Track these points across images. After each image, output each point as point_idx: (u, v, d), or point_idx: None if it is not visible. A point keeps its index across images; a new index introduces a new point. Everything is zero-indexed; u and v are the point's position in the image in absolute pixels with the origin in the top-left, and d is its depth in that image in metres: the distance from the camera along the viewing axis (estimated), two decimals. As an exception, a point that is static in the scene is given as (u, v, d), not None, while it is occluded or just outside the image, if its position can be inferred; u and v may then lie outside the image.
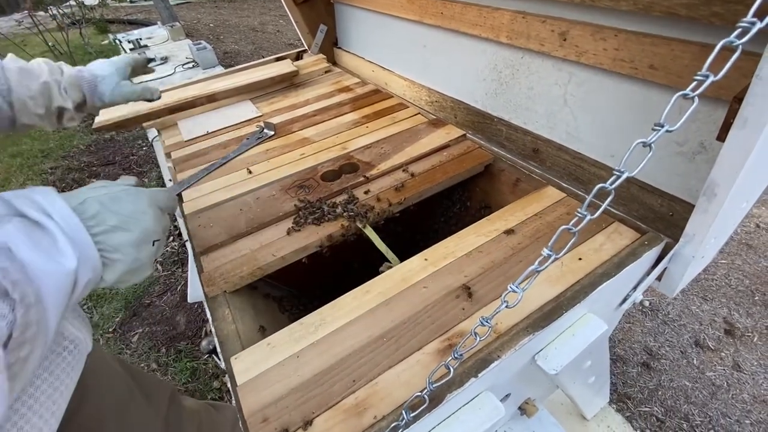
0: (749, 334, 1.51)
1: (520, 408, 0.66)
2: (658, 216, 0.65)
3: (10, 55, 0.68)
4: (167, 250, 1.99)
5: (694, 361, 1.43)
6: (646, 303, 1.66)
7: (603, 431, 1.10)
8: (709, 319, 1.57)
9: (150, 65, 0.84)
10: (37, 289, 0.33)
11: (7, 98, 0.62)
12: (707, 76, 0.25)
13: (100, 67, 0.74)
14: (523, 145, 0.86)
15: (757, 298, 1.63)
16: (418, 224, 0.71)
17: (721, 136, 0.45)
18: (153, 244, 0.46)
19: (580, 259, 0.58)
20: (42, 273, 0.33)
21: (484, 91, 0.93)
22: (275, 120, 1.04)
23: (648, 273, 0.62)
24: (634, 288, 0.63)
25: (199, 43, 3.24)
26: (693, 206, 0.52)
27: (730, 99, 0.46)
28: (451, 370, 0.34)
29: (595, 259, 0.58)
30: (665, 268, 0.61)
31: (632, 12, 0.59)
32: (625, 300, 0.64)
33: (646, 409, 1.31)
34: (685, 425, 1.26)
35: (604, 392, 0.97)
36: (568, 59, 0.71)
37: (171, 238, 2.05)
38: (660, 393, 1.35)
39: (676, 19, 0.54)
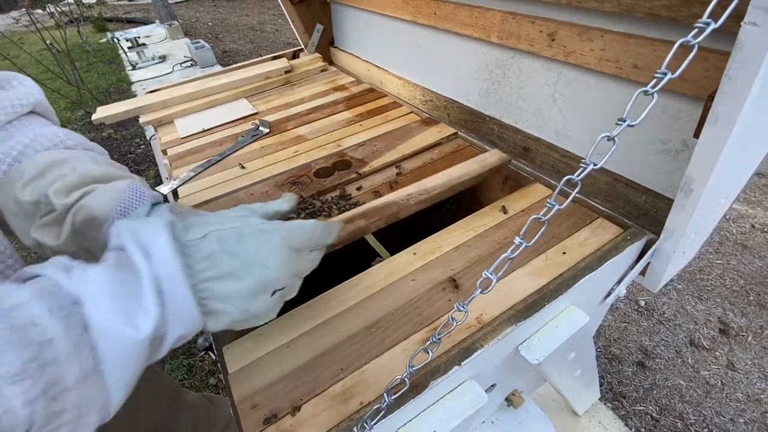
0: (743, 333, 1.52)
1: (507, 399, 0.67)
2: (643, 212, 0.66)
3: None
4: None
5: (689, 361, 1.45)
6: (642, 303, 1.67)
7: (594, 427, 1.11)
8: (704, 318, 1.58)
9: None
10: (98, 354, 0.28)
11: None
12: (665, 74, 0.26)
13: None
14: (514, 144, 0.88)
15: (751, 297, 1.64)
16: (409, 220, 0.73)
17: (697, 134, 0.46)
18: (273, 294, 0.39)
19: (564, 252, 0.60)
20: (109, 336, 0.29)
21: (476, 91, 0.94)
22: (270, 118, 1.05)
23: (631, 267, 0.63)
24: (618, 282, 0.65)
25: (198, 42, 3.27)
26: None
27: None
28: (430, 353, 0.35)
29: (579, 253, 0.59)
30: (648, 263, 0.62)
31: (616, 13, 0.60)
32: (609, 294, 0.65)
33: (641, 407, 1.32)
34: (679, 424, 1.28)
35: (593, 387, 0.99)
36: (557, 59, 0.72)
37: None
38: (655, 392, 1.36)
39: (657, 20, 0.55)
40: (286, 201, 0.49)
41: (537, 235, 0.30)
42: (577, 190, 0.29)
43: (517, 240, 0.31)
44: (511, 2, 0.77)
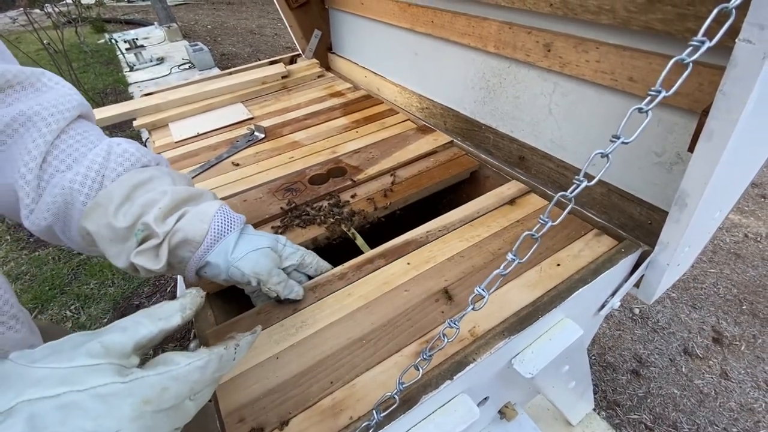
0: (737, 342, 1.52)
1: (500, 412, 0.66)
2: (638, 224, 0.66)
3: None
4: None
5: (683, 369, 1.45)
6: (636, 311, 1.68)
7: (588, 437, 1.10)
8: (697, 327, 1.59)
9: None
10: None
11: None
12: (660, 91, 0.26)
13: None
14: (510, 153, 0.88)
15: (744, 307, 1.65)
16: (404, 229, 0.73)
17: (692, 148, 0.46)
18: None
19: (558, 264, 0.59)
20: None
21: (473, 99, 0.94)
22: (266, 123, 1.05)
23: (626, 280, 0.63)
24: (612, 294, 0.64)
25: (196, 45, 3.26)
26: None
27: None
28: (420, 370, 0.34)
29: (573, 265, 0.59)
30: (642, 275, 0.62)
31: (612, 25, 0.60)
32: (603, 306, 0.65)
33: (635, 416, 1.32)
34: (673, 433, 1.28)
35: (587, 398, 0.98)
36: (553, 70, 0.72)
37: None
38: (649, 400, 1.36)
39: (653, 33, 0.56)
40: (181, 308, 0.35)
41: (529, 253, 0.30)
42: (570, 207, 0.29)
43: (509, 256, 0.30)
44: (508, 12, 0.77)
